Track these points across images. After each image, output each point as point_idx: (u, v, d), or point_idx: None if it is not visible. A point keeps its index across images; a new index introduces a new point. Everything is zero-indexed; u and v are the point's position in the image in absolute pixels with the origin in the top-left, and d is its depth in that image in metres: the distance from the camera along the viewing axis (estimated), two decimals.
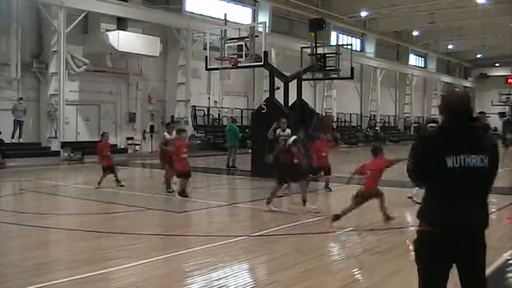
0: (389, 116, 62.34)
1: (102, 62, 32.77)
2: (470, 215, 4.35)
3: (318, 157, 16.74)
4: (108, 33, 31.23)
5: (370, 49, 57.99)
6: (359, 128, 56.33)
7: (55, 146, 29.59)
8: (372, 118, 58.19)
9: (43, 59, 30.41)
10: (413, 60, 69.36)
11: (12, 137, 28.20)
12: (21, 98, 28.63)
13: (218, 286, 7.50)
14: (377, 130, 55.39)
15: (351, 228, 11.43)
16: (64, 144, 29.69)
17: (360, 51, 56.86)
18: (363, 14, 50.01)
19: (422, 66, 71.09)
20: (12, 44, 28.62)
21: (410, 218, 12.99)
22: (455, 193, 4.35)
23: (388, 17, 53.42)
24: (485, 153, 4.39)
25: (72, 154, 29.52)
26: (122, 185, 17.56)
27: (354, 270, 8.58)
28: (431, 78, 70.32)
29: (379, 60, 57.57)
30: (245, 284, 7.78)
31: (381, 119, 59.37)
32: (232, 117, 33.49)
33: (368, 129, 55.40)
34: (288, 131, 16.78)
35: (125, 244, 10.04)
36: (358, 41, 57.68)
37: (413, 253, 4.67)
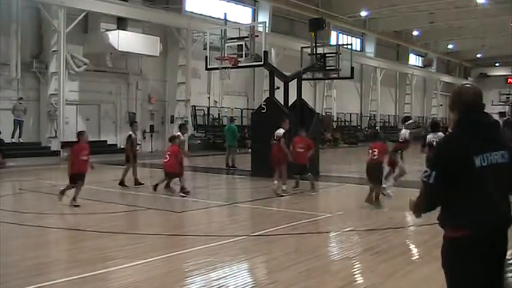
0: (389, 115, 62.31)
1: (102, 61, 32.75)
2: (503, 212, 4.23)
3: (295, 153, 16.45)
4: (108, 33, 31.21)
5: (370, 49, 57.95)
6: (359, 127, 56.34)
7: (55, 145, 29.58)
8: (372, 118, 58.19)
9: (43, 58, 30.40)
10: (413, 59, 69.32)
11: (12, 137, 28.22)
12: (21, 98, 28.64)
13: (217, 286, 7.51)
14: (377, 130, 55.40)
15: (350, 228, 11.45)
16: (64, 144, 29.69)
17: (360, 51, 56.85)
18: (363, 13, 49.98)
19: (422, 66, 71.02)
20: (12, 43, 28.61)
21: (410, 218, 13.00)
22: (486, 192, 4.19)
23: (388, 17, 53.42)
24: (505, 148, 4.30)
25: None
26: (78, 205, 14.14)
27: (354, 270, 8.59)
28: (432, 78, 70.33)
29: (379, 60, 57.51)
30: (244, 284, 7.79)
31: (381, 119, 59.36)
32: (231, 116, 33.44)
33: (368, 129, 55.40)
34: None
35: (124, 244, 10.05)
36: (358, 40, 57.67)
37: (443, 263, 4.33)
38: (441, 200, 4.31)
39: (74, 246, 10.03)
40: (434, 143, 13.71)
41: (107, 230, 11.16)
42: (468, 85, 4.59)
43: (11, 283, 7.49)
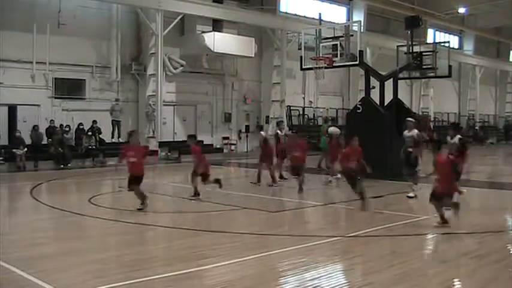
0: (488, 115, 60.39)
1: (198, 63, 33.34)
2: None
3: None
4: (203, 34, 31.73)
5: (468, 46, 56.33)
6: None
7: (153, 145, 30.33)
8: (471, 118, 56.53)
9: (141, 61, 31.28)
10: None
11: (112, 137, 29.17)
12: (117, 99, 29.60)
13: (312, 286, 7.48)
14: (476, 130, 53.84)
15: (447, 231, 11.16)
16: (162, 144, 30.40)
17: (458, 48, 55.31)
18: (461, 10, 48.53)
19: None
20: (112, 47, 29.68)
21: (511, 222, 12.57)
22: None
23: (487, 13, 51.59)
24: None
25: (169, 153, 30.23)
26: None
27: (451, 274, 8.35)
28: None
29: (478, 58, 55.86)
30: (339, 285, 7.71)
31: (480, 119, 57.61)
32: (327, 117, 33.15)
33: (467, 129, 53.87)
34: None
35: (219, 243, 10.16)
36: (456, 38, 56.16)
37: None
38: None
39: (170, 244, 10.22)
40: None
41: (202, 228, 11.32)
42: None
43: (110, 277, 7.73)
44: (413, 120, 16.56)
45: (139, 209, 13.22)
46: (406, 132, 16.18)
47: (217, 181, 15.87)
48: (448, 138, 14.35)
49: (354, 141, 14.28)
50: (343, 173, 14.63)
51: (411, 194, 15.65)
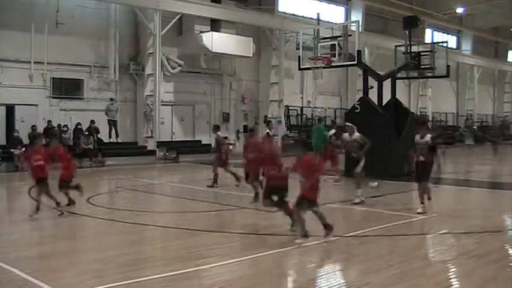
0: (487, 115, 60.42)
1: (197, 63, 33.30)
2: None
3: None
4: (202, 34, 31.71)
5: (466, 46, 56.33)
6: (456, 127, 54.83)
7: (151, 145, 30.35)
8: (469, 117, 56.53)
9: (139, 61, 31.26)
10: None
11: (110, 137, 29.16)
12: (112, 99, 29.58)
13: (310, 286, 7.48)
14: (474, 129, 53.80)
15: (445, 231, 11.17)
16: (160, 144, 30.39)
17: (456, 48, 55.22)
18: (459, 10, 48.50)
19: None
20: (110, 47, 29.66)
21: (509, 221, 12.57)
22: None
23: (485, 13, 51.58)
24: None
25: (167, 153, 30.23)
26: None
27: (449, 274, 8.35)
28: None
29: (476, 58, 55.87)
30: (337, 285, 7.72)
31: (478, 119, 57.62)
32: (319, 117, 33.03)
33: (465, 129, 53.83)
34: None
35: (217, 242, 10.16)
36: (454, 38, 56.10)
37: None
38: None
39: (168, 244, 10.22)
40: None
41: (201, 228, 11.31)
42: None
43: (108, 277, 7.74)
44: (351, 124, 15.34)
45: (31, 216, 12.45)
46: (346, 136, 15.19)
47: (70, 202, 13.91)
48: (418, 137, 13.38)
49: (253, 133, 12.90)
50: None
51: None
